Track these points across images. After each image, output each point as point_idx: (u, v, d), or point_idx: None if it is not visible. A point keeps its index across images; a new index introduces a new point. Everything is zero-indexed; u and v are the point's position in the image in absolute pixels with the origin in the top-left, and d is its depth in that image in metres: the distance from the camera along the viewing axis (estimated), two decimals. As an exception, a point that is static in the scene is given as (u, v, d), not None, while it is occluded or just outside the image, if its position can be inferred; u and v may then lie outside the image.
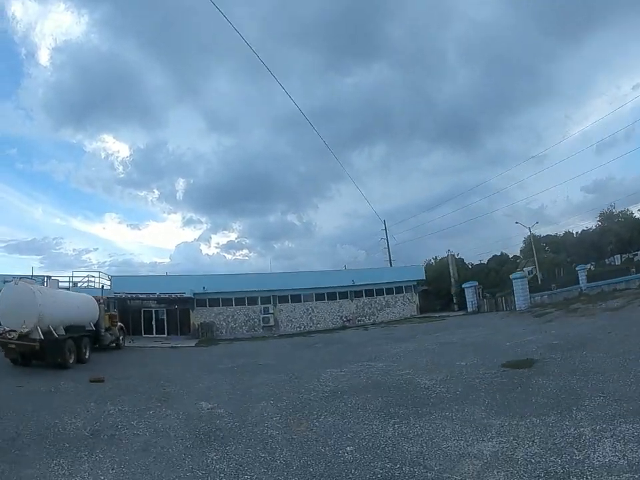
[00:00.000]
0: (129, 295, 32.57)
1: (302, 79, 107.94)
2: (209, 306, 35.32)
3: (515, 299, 32.17)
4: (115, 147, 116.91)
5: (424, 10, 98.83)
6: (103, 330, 22.71)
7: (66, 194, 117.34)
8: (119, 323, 26.18)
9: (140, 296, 32.74)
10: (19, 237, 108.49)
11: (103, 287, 31.64)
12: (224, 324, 35.05)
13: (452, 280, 42.99)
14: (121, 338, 25.33)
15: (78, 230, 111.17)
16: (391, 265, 50.68)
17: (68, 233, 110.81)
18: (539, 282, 42.24)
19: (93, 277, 33.40)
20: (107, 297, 30.94)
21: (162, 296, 32.77)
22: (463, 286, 37.83)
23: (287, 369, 14.17)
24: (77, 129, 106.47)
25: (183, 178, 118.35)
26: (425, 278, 43.26)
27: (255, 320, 35.48)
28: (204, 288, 34.37)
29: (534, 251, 64.52)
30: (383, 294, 40.36)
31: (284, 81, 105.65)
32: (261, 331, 35.12)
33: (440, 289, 44.02)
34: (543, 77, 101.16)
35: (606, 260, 65.94)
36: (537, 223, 74.27)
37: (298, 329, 35.80)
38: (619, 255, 67.00)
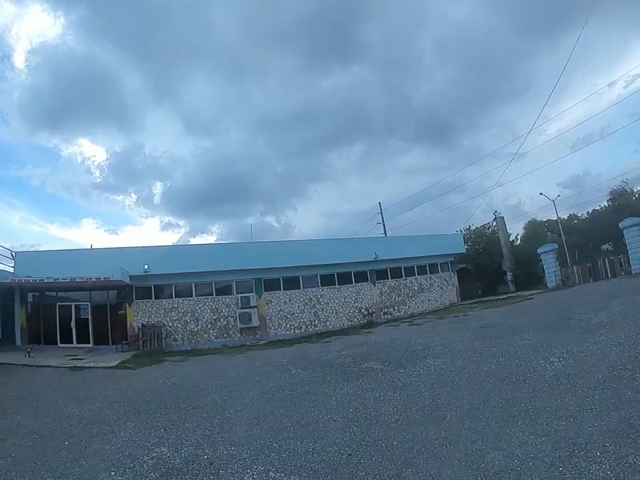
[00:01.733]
0: (28, 280, 19.66)
1: (281, 80, 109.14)
2: (155, 297, 22.31)
3: (630, 257, 23.00)
4: (92, 150, 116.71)
5: (402, 11, 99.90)
6: None
7: (42, 200, 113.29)
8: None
9: (46, 282, 19.62)
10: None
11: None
12: (179, 326, 22.13)
13: (503, 250, 30.91)
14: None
15: (55, 236, 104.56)
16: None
17: (45, 240, 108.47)
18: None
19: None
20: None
21: (78, 281, 19.65)
22: (540, 250, 26.01)
23: None
24: (53, 132, 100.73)
25: (160, 181, 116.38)
26: (464, 251, 31.09)
27: (229, 318, 22.63)
28: (146, 268, 21.40)
29: (560, 228, 54.77)
30: (414, 274, 27.98)
31: (262, 81, 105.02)
32: (239, 335, 22.39)
33: (482, 267, 31.79)
34: (519, 76, 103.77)
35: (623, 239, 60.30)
36: (559, 196, 65.48)
37: (297, 331, 23.19)
38: None
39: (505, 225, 32.46)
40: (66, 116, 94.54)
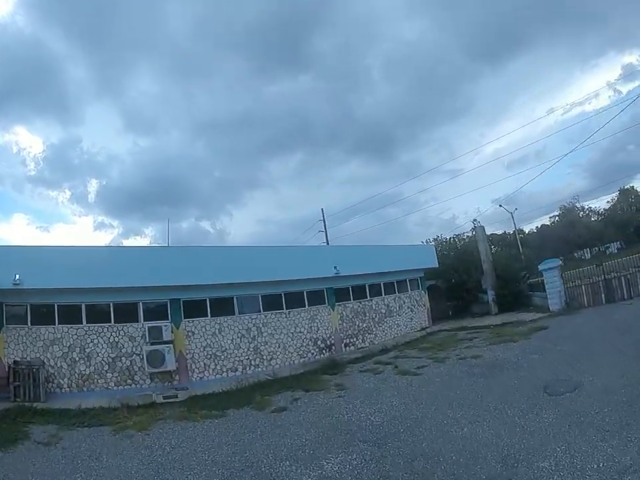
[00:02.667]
0: None
1: (226, 83, 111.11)
2: (32, 323, 14.69)
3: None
4: (28, 141, 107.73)
5: (354, 26, 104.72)
6: None
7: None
8: None
9: None
10: None
11: None
12: (64, 365, 14.80)
13: (484, 265, 25.88)
14: None
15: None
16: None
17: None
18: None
19: None
20: None
21: None
22: (542, 267, 21.23)
23: None
24: None
25: (96, 179, 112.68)
26: (437, 265, 25.85)
27: (134, 357, 15.60)
28: (17, 279, 13.95)
29: (518, 241, 52.44)
30: (381, 293, 22.33)
31: (208, 83, 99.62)
32: (148, 381, 15.53)
33: (456, 284, 26.70)
34: (462, 97, 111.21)
35: (574, 254, 62.56)
36: (516, 209, 63.29)
37: (231, 374, 16.52)
38: (587, 249, 64.52)
39: (485, 235, 27.40)
40: (5, 101, 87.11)
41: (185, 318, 16.45)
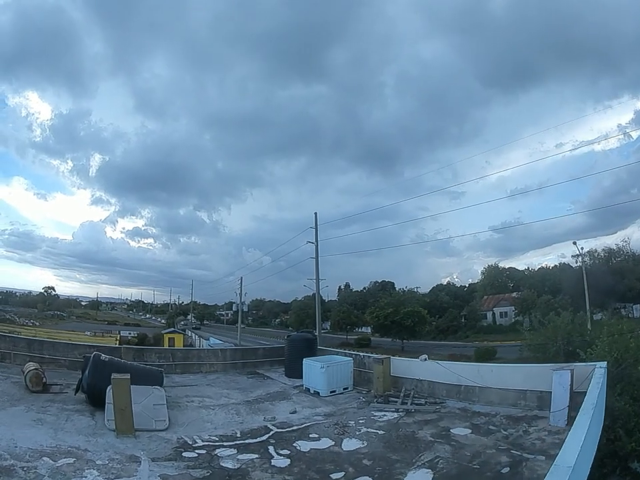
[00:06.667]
0: None
1: (239, 81, 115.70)
2: None
3: None
4: (38, 106, 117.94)
5: (373, 42, 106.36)
6: None
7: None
8: None
9: None
10: None
11: None
12: None
13: None
14: None
15: (-19, 188, 77.06)
16: (318, 278, 33.19)
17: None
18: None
19: None
20: None
21: None
22: None
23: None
24: (3, 78, 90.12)
25: (100, 154, 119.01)
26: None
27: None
28: None
29: (585, 278, 37.97)
30: None
31: (222, 77, 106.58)
32: None
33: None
34: (471, 121, 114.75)
35: (619, 307, 52.64)
36: (582, 248, 53.44)
37: None
38: (636, 305, 53.22)
39: None
40: (20, 64, 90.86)
41: None
